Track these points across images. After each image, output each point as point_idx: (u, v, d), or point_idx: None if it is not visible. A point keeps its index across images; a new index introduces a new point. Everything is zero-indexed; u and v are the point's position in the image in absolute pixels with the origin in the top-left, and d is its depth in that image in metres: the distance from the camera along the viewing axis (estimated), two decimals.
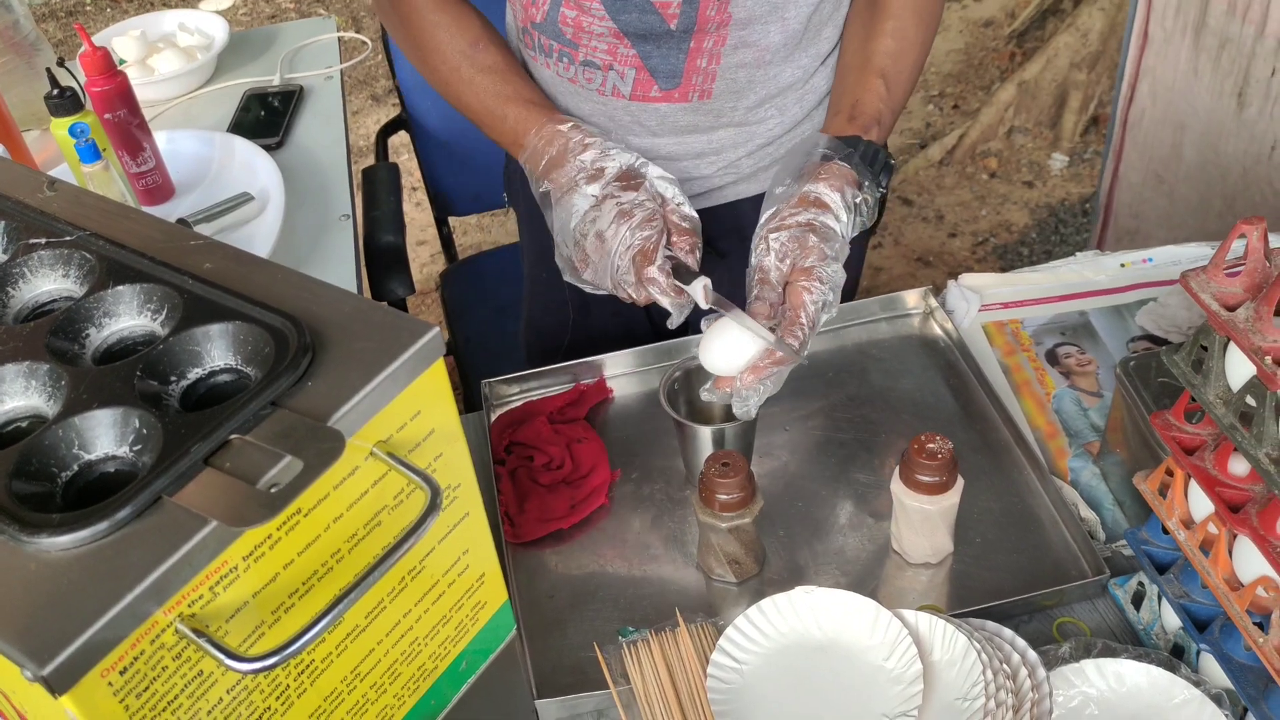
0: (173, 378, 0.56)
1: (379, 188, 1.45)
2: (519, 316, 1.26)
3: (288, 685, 0.55)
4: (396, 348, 0.55)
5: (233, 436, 0.51)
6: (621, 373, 1.04)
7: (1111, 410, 0.88)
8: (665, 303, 0.84)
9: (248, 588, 0.51)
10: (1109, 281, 1.06)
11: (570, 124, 0.91)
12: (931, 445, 0.80)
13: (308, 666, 0.56)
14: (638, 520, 0.91)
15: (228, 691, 0.52)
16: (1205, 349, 0.65)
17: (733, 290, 1.10)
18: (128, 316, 0.60)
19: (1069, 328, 1.03)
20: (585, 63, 0.96)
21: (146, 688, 0.48)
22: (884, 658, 0.75)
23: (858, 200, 0.86)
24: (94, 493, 0.52)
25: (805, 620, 0.78)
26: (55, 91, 1.14)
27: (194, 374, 0.57)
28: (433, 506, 0.54)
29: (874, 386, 1.01)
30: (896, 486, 0.83)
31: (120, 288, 0.60)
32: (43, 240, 0.63)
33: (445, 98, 1.00)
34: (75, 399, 0.54)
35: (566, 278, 0.92)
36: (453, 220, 1.73)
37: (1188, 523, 0.71)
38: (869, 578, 0.86)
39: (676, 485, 0.94)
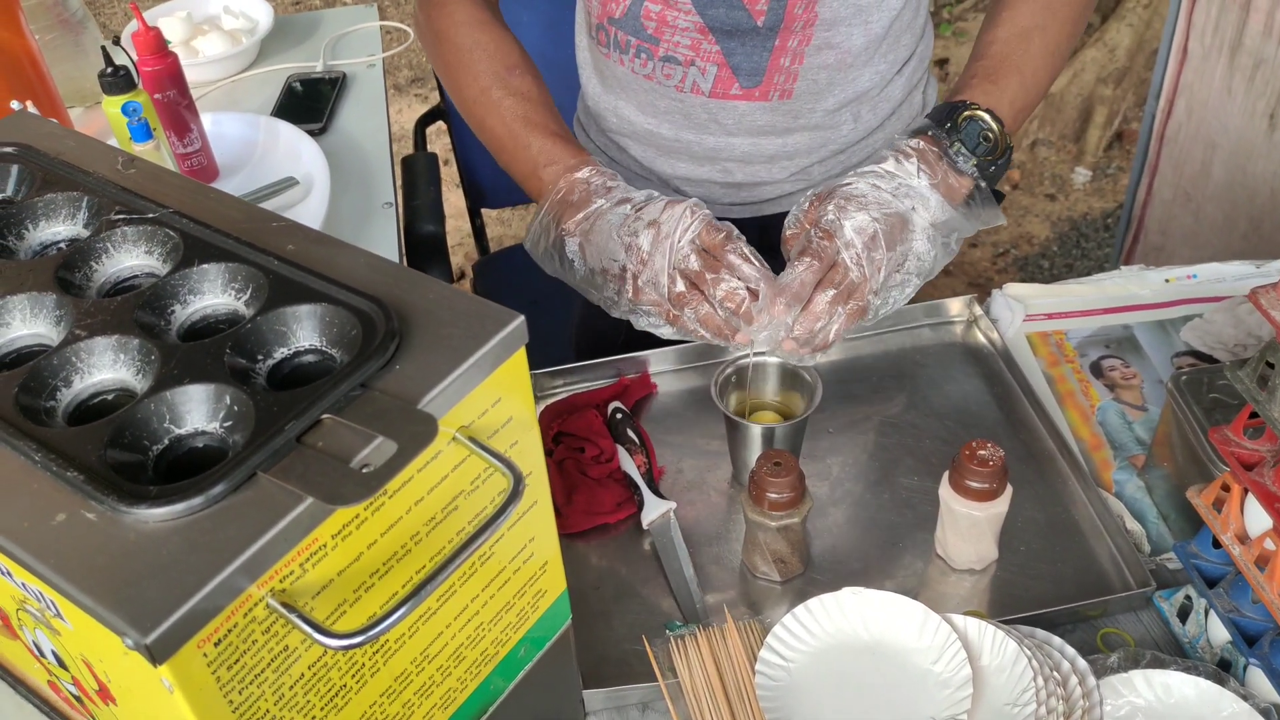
0: (259, 356, 0.57)
1: (418, 177, 1.46)
2: (553, 311, 1.26)
3: (363, 664, 0.56)
4: (483, 334, 0.56)
5: (324, 416, 0.52)
6: (666, 369, 1.05)
7: (1160, 424, 0.88)
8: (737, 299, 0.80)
9: (334, 566, 0.52)
10: (1153, 296, 1.07)
11: (590, 168, 0.88)
12: (983, 452, 0.81)
13: (383, 646, 0.57)
14: (682, 516, 0.92)
15: (309, 667, 0.53)
16: (1271, 366, 0.65)
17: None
18: (211, 294, 0.61)
19: (1113, 341, 1.03)
20: (665, 58, 0.96)
21: (237, 660, 0.48)
22: (932, 661, 0.76)
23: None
24: (183, 467, 0.53)
25: (853, 621, 0.79)
26: (109, 70, 1.14)
27: (280, 353, 0.57)
28: (515, 493, 0.54)
29: (918, 392, 1.01)
30: (945, 492, 0.83)
31: (205, 266, 0.61)
32: (126, 216, 0.64)
33: (467, 119, 0.98)
34: (167, 374, 0.54)
35: (616, 313, 0.88)
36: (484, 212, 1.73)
37: (1243, 538, 0.72)
38: (912, 581, 0.87)
39: (720, 482, 0.95)
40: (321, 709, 0.54)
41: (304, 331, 0.58)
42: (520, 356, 0.58)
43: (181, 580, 0.45)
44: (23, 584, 0.51)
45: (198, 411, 0.54)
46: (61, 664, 0.56)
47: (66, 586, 0.46)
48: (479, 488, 0.59)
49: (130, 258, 0.64)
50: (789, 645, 0.78)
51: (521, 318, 0.57)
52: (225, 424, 0.53)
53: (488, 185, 1.65)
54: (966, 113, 0.86)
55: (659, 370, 1.05)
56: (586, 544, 0.90)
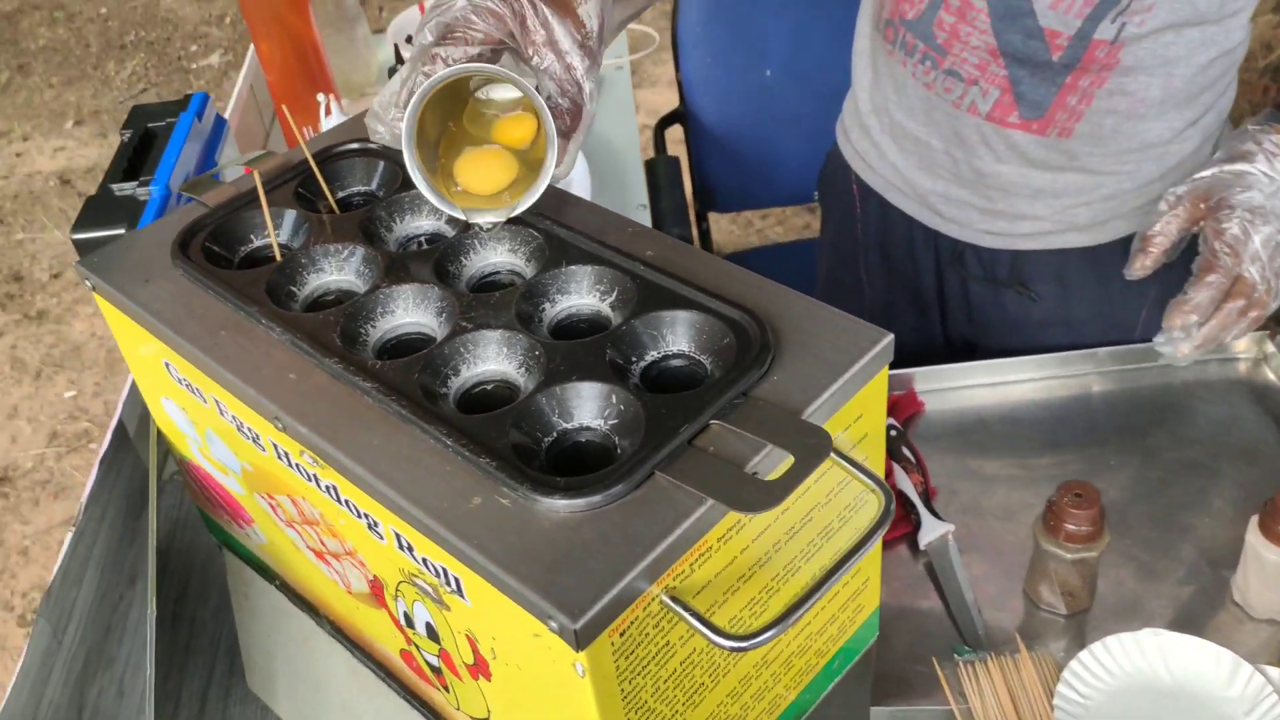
0: (634, 358, 0.59)
1: (661, 180, 1.49)
2: None
3: (718, 664, 0.57)
4: (855, 350, 0.57)
5: (712, 421, 0.53)
6: (933, 388, 1.04)
7: None
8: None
9: (713, 568, 0.53)
10: None
11: None
12: None
13: None
14: (959, 537, 0.91)
15: (681, 663, 0.54)
16: None
17: (1040, 331, 1.08)
18: (577, 295, 0.63)
19: None
20: (949, 71, 0.95)
21: (633, 651, 0.50)
22: (1245, 712, 0.73)
23: None
24: (569, 460, 0.56)
25: (1153, 663, 0.77)
26: (400, 66, 1.20)
27: (650, 356, 0.60)
28: (886, 513, 0.55)
29: (1202, 429, 0.98)
30: (1254, 537, 0.80)
31: (573, 267, 0.63)
32: None
33: None
34: (554, 370, 0.57)
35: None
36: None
37: None
38: (1202, 626, 0.84)
39: (995, 506, 0.93)
40: (683, 703, 0.56)
41: (674, 337, 0.60)
42: (884, 375, 0.59)
43: (599, 571, 0.48)
44: (424, 559, 0.54)
45: (585, 408, 0.56)
46: (433, 637, 0.59)
47: (490, 568, 0.48)
48: (831, 500, 0.59)
49: (495, 255, 0.67)
50: (1086, 682, 0.76)
51: (890, 336, 0.58)
52: (611, 421, 0.56)
53: (719, 189, 1.66)
54: None
55: (926, 389, 1.04)
56: None
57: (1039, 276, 1.03)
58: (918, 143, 1.04)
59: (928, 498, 0.92)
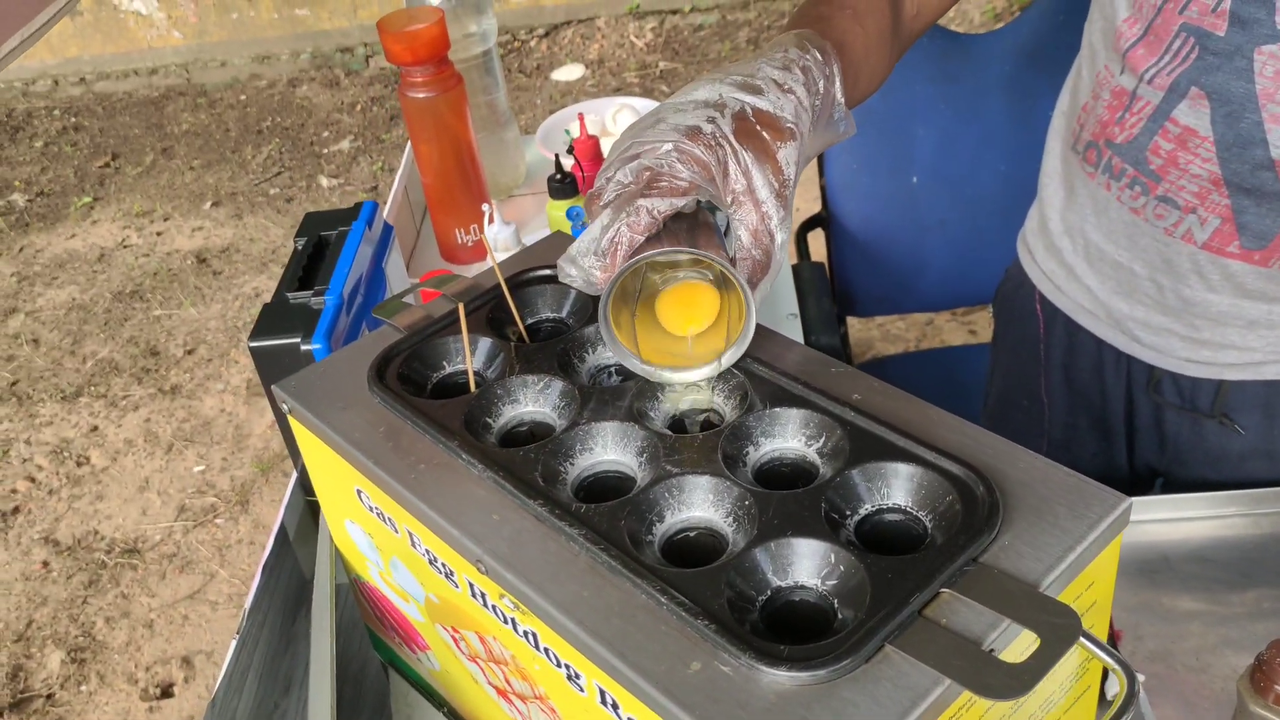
0: (848, 512, 0.57)
1: (806, 286, 1.47)
2: None
3: None
4: (1091, 515, 0.53)
5: (943, 590, 0.51)
6: None
7: None
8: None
9: None
10: None
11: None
12: None
13: None
14: (1148, 689, 0.85)
15: None
16: None
17: (1241, 463, 1.02)
18: (782, 439, 0.61)
19: None
20: (1163, 198, 0.91)
21: None
22: None
23: None
24: (782, 620, 0.53)
25: None
26: (559, 175, 1.21)
27: (863, 510, 0.57)
28: (1129, 696, 0.51)
29: None
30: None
31: (778, 410, 0.61)
32: None
33: None
34: (767, 523, 0.55)
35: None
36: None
37: None
38: None
39: (1186, 654, 0.87)
40: None
41: (890, 490, 0.57)
42: (1118, 542, 0.55)
43: None
44: (629, 718, 0.52)
45: (803, 566, 0.54)
46: None
47: None
48: (1056, 670, 0.56)
49: (691, 391, 0.66)
50: None
51: (1129, 501, 0.54)
52: (829, 582, 0.53)
53: (859, 293, 1.64)
54: None
55: None
56: None
57: (1244, 407, 0.98)
58: (1117, 267, 0.99)
59: (1113, 640, 0.87)
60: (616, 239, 0.61)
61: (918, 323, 2.71)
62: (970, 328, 2.65)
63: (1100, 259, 1.00)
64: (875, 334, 2.72)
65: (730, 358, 0.64)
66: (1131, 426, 1.08)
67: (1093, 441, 1.10)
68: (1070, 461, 1.12)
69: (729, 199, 0.62)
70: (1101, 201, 0.96)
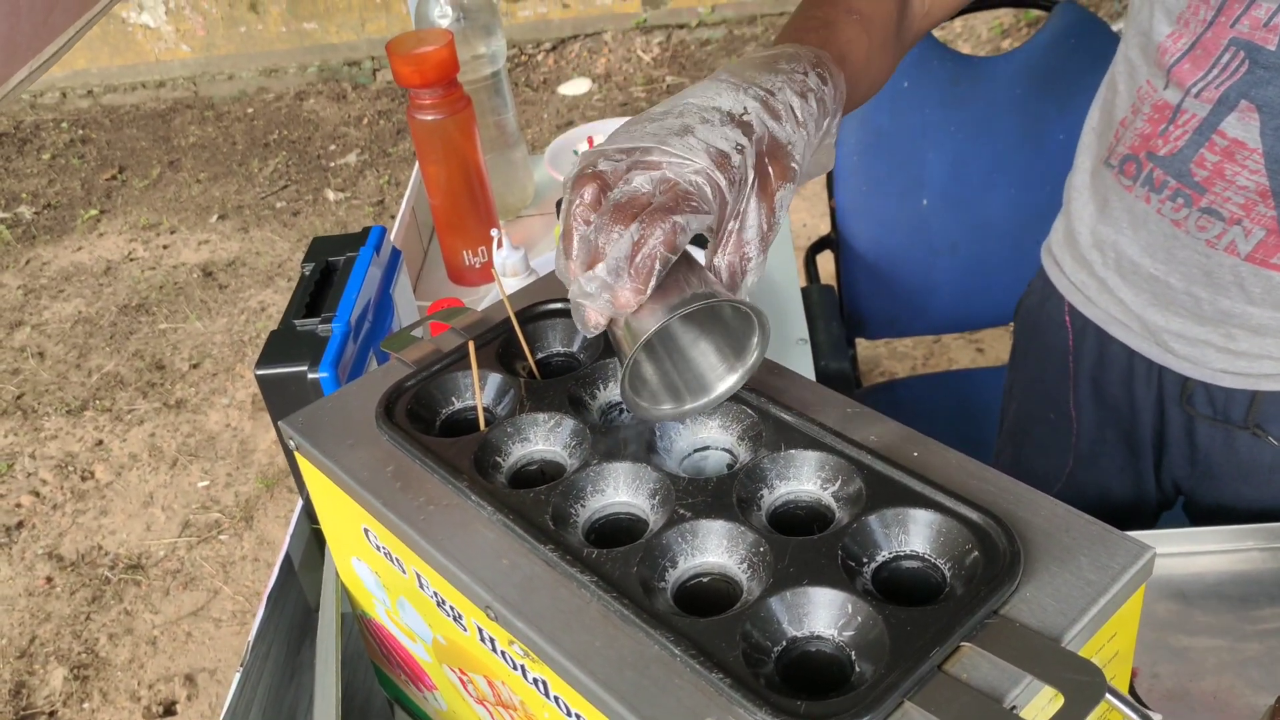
0: (864, 559, 0.56)
1: (816, 309, 1.46)
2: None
3: None
4: (1113, 566, 0.52)
5: (963, 644, 0.49)
6: None
7: None
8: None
9: None
10: None
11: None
12: None
13: None
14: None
15: None
16: None
17: (1271, 475, 1.02)
18: (796, 482, 0.60)
19: None
20: (1206, 210, 0.90)
21: None
22: None
23: None
24: (797, 672, 0.52)
25: None
26: None
27: (880, 556, 0.56)
28: None
29: None
30: None
31: (793, 452, 0.60)
32: None
33: None
34: (784, 571, 0.54)
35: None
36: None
37: None
38: None
39: (1203, 693, 0.86)
40: None
41: (907, 537, 0.56)
42: (1141, 592, 0.54)
43: None
44: None
45: (819, 616, 0.53)
46: None
47: None
48: None
49: (705, 430, 0.65)
50: None
51: (1153, 551, 0.53)
52: (846, 633, 0.52)
53: (869, 316, 1.63)
54: None
55: None
56: None
57: (1277, 418, 0.97)
58: (1153, 280, 0.98)
59: (1130, 678, 0.85)
60: (651, 252, 0.56)
61: (925, 340, 2.70)
62: (978, 346, 2.64)
63: (1134, 272, 0.99)
64: (882, 351, 2.70)
65: (738, 381, 0.62)
66: (1161, 440, 1.07)
67: (1120, 455, 1.09)
68: (1097, 476, 1.12)
69: (721, 238, 0.61)
70: (1140, 215, 0.95)
